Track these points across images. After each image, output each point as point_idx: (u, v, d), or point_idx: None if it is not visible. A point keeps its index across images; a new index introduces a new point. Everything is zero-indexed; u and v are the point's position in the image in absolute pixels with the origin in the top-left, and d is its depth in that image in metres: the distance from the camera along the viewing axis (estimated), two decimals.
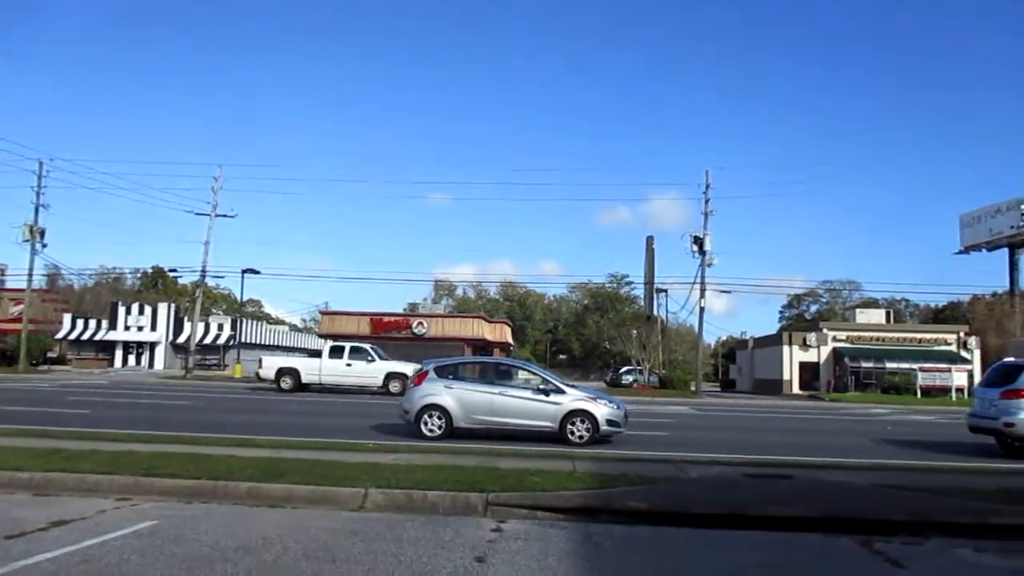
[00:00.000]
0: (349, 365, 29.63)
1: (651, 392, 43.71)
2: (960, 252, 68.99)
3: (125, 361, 65.71)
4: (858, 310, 64.53)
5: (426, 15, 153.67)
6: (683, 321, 74.54)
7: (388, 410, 18.76)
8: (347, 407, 23.05)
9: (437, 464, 9.70)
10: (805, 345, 55.61)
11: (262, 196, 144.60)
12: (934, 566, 6.18)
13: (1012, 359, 16.87)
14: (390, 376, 29.03)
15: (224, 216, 45.91)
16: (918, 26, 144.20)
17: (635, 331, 61.69)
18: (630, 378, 55.87)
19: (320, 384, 30.34)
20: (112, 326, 65.87)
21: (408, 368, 26.84)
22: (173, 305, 69.38)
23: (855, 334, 56.03)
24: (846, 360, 53.15)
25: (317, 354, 33.67)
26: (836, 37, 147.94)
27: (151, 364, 65.06)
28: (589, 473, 9.37)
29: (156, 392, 28.10)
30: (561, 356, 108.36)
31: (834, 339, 55.36)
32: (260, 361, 31.72)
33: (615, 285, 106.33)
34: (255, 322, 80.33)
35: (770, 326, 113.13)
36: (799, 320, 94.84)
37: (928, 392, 46.38)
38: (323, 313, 60.93)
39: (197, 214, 45.79)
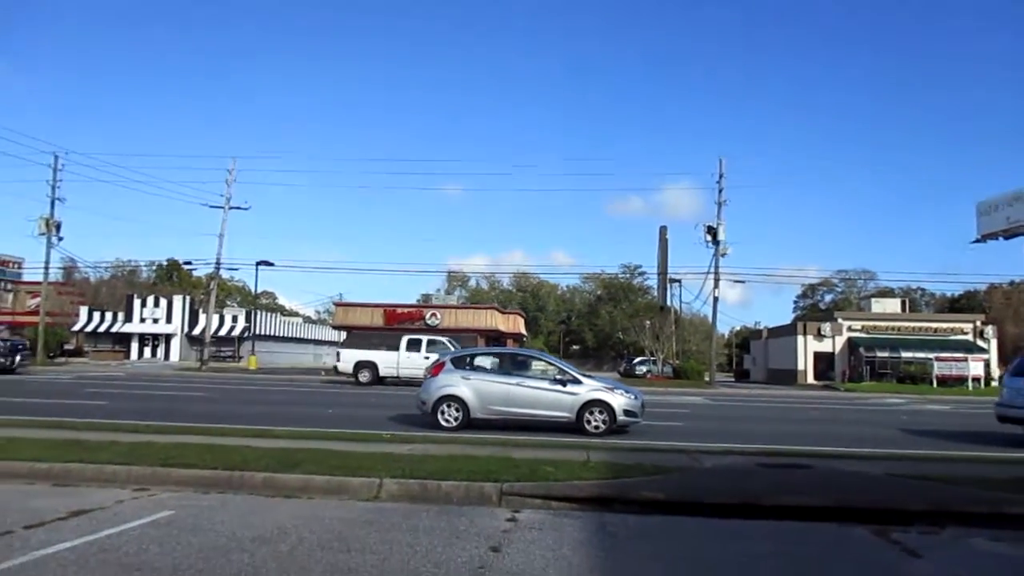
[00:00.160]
0: (427, 358, 28.45)
1: (665, 382, 43.63)
2: (977, 241, 67.86)
3: (141, 353, 66.23)
4: (873, 299, 64.14)
5: (426, 15, 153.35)
6: (697, 311, 74.35)
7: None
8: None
9: (452, 454, 9.73)
10: (820, 335, 55.30)
11: (276, 190, 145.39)
12: (951, 555, 6.13)
13: None
14: None
15: (238, 208, 46.22)
16: (918, 26, 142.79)
17: (648, 321, 61.49)
18: (644, 368, 55.78)
19: (397, 377, 30.17)
20: (128, 318, 66.35)
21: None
22: (188, 297, 69.74)
23: (870, 324, 55.64)
24: (861, 350, 52.81)
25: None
26: (836, 37, 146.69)
27: (167, 356, 65.54)
28: (603, 463, 9.36)
29: (172, 384, 28.34)
30: (574, 347, 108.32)
31: (849, 329, 55.01)
32: (338, 354, 31.73)
33: (628, 275, 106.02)
34: (269, 314, 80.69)
35: (784, 316, 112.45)
36: (814, 310, 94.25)
37: (944, 382, 46.00)
38: (337, 305, 61.04)
39: (211, 207, 46.12)
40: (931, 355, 48.85)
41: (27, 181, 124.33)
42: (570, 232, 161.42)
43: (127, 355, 64.83)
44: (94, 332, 65.83)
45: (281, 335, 74.88)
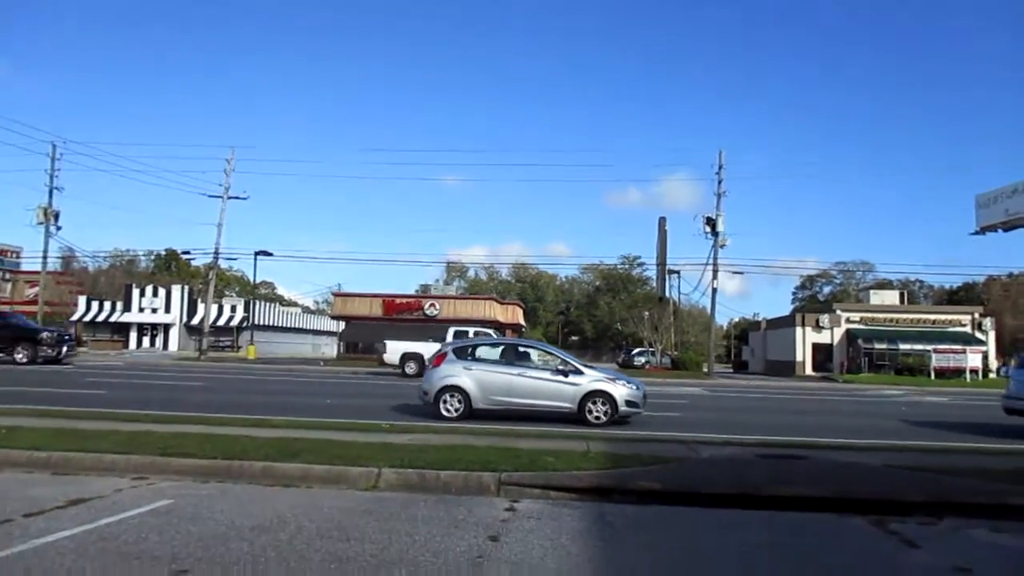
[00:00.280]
0: None
1: (663, 373, 43.71)
2: (976, 233, 67.71)
3: (140, 343, 66.27)
4: (872, 291, 64.14)
5: (426, 15, 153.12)
6: (695, 302, 74.61)
7: None
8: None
9: (452, 444, 9.73)
10: (818, 326, 55.31)
11: (275, 180, 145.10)
12: (949, 546, 6.14)
13: None
14: None
15: (237, 198, 46.20)
16: (918, 26, 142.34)
17: (647, 312, 61.62)
18: (642, 359, 55.92)
19: None
20: (127, 308, 66.38)
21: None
22: (187, 287, 69.78)
23: (869, 315, 55.66)
24: (859, 341, 52.86)
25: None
26: (836, 37, 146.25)
27: (165, 346, 65.59)
28: (602, 453, 9.38)
29: (171, 373, 28.35)
30: (573, 337, 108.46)
31: (847, 320, 55.02)
32: (384, 346, 31.84)
33: (627, 266, 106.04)
34: (268, 304, 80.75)
35: (783, 307, 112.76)
36: (812, 301, 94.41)
37: (942, 374, 46.12)
38: (336, 295, 61.08)
39: (210, 196, 46.10)
40: (929, 347, 48.91)
41: (25, 170, 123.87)
42: (569, 223, 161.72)
43: (126, 345, 64.87)
44: (93, 322, 65.86)
45: (280, 325, 74.97)
